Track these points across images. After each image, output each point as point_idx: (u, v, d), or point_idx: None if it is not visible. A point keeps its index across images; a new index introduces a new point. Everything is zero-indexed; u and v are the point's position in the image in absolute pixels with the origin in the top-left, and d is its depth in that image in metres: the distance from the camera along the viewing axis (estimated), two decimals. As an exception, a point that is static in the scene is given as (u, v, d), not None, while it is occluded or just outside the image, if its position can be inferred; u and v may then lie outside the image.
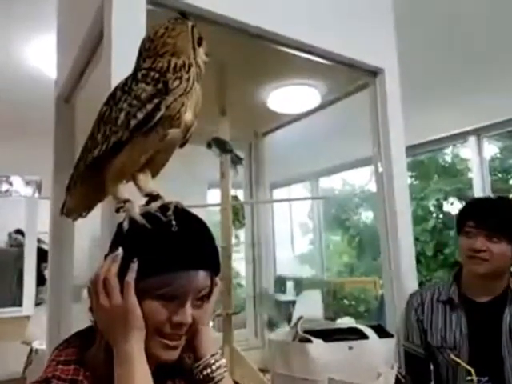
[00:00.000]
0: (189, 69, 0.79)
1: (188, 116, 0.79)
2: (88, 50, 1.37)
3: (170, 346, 0.68)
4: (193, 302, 0.68)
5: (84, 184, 0.84)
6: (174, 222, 0.68)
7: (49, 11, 1.93)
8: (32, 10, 2.13)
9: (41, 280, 4.38)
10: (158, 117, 0.74)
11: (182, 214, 0.72)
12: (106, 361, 0.67)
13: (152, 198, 0.79)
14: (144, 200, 0.80)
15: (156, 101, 0.75)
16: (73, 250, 1.65)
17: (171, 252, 0.66)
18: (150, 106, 0.74)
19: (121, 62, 1.04)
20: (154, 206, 0.74)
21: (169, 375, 0.77)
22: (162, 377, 0.75)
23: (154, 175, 0.84)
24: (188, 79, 0.78)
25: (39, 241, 4.51)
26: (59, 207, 0.93)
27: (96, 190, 0.84)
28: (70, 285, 1.66)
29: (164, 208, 0.72)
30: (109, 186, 0.80)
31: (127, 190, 0.80)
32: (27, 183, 4.54)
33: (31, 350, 3.48)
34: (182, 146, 0.85)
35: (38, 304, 4.27)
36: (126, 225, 0.71)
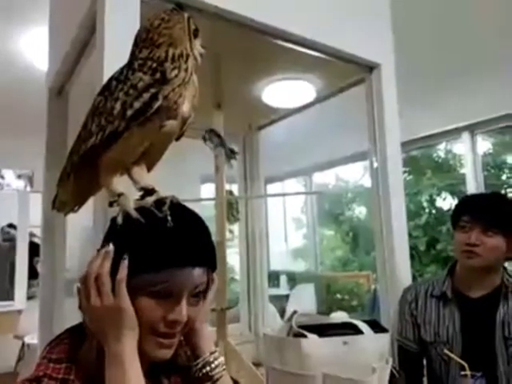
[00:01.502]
0: (187, 59, 0.77)
1: (185, 107, 0.77)
2: (80, 42, 1.35)
3: (164, 344, 0.67)
4: (188, 299, 0.67)
5: (77, 177, 0.81)
6: (169, 218, 0.66)
7: (41, 2, 1.90)
8: (24, 1, 2.10)
9: (33, 274, 4.35)
10: (155, 107, 0.72)
11: (178, 209, 0.70)
12: (97, 359, 0.66)
13: (147, 192, 0.77)
14: (138, 194, 0.78)
15: (153, 90, 0.73)
16: (65, 244, 1.63)
17: (166, 248, 0.65)
18: (146, 96, 0.72)
19: (114, 53, 1.02)
20: (149, 200, 0.72)
21: (164, 372, 0.76)
22: (156, 374, 0.74)
23: (149, 169, 0.82)
24: (186, 69, 0.77)
25: (31, 235, 4.47)
26: (51, 201, 0.91)
27: (89, 182, 0.82)
28: (63, 279, 1.64)
29: (159, 203, 0.70)
30: (102, 178, 0.78)
31: (121, 183, 0.78)
32: (19, 176, 4.50)
33: (23, 344, 3.47)
34: (177, 138, 0.83)
35: (30, 298, 4.24)
36: (119, 219, 0.69)
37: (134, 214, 0.68)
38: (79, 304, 0.68)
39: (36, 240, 4.30)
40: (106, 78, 0.86)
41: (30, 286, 4.38)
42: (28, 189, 4.48)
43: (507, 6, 2.12)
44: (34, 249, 4.32)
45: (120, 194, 0.74)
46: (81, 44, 1.35)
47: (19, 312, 3.98)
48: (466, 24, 2.29)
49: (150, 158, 0.81)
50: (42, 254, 1.66)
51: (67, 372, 0.66)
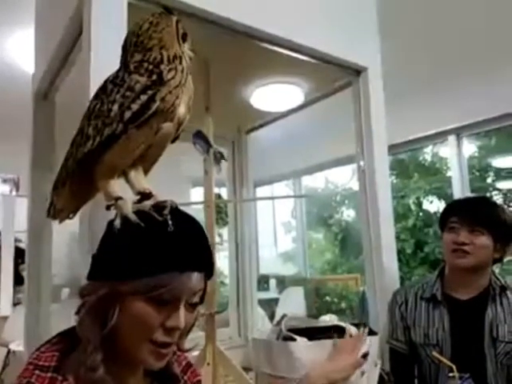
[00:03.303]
0: (181, 60, 0.78)
1: (181, 110, 0.77)
2: (67, 45, 1.33)
3: (161, 353, 0.66)
4: (185, 305, 0.66)
5: (73, 182, 0.80)
6: (170, 222, 0.66)
7: (27, 4, 1.88)
8: (9, 3, 2.07)
9: (19, 280, 4.27)
10: (153, 108, 0.72)
11: (177, 213, 0.70)
12: (88, 366, 0.64)
13: (144, 196, 0.76)
14: (135, 198, 0.77)
15: (150, 92, 0.72)
16: (51, 249, 1.61)
17: (167, 252, 0.64)
18: (144, 98, 0.72)
19: (100, 56, 1.02)
20: (148, 204, 0.71)
21: (157, 379, 0.75)
22: (150, 380, 0.74)
23: (146, 171, 0.82)
24: (182, 70, 0.77)
25: (16, 240, 4.39)
26: (36, 205, 0.90)
27: (85, 188, 0.81)
28: (49, 284, 1.62)
29: (158, 207, 0.69)
30: (99, 182, 0.77)
31: (118, 186, 0.77)
32: (4, 181, 4.42)
33: (8, 351, 3.40)
34: (173, 141, 0.82)
35: (15, 304, 4.16)
36: (117, 223, 0.68)
37: (133, 217, 0.67)
38: (77, 309, 0.67)
39: (21, 245, 4.23)
40: (92, 81, 0.86)
41: (15, 292, 4.30)
42: (14, 193, 4.41)
43: (493, 10, 2.16)
44: (19, 254, 4.25)
45: (118, 198, 0.73)
46: (67, 47, 1.34)
47: (4, 318, 3.90)
48: (453, 28, 2.32)
49: (146, 161, 0.81)
50: (27, 260, 1.63)
51: (52, 383, 0.63)
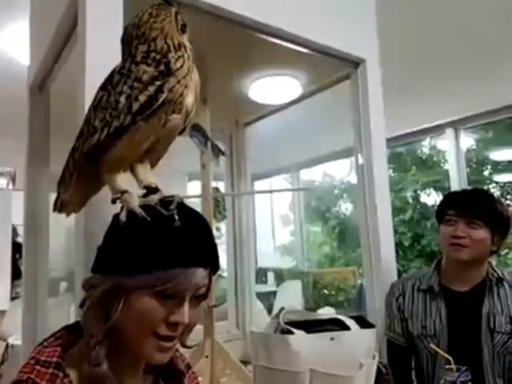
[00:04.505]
0: (186, 48, 0.77)
1: (189, 100, 0.76)
2: (62, 36, 1.32)
3: (164, 347, 0.65)
4: (190, 300, 0.65)
5: (80, 175, 0.79)
6: (176, 217, 0.65)
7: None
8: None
9: (17, 274, 4.26)
10: (161, 100, 0.71)
11: (183, 208, 0.69)
12: (92, 361, 0.63)
13: (150, 190, 0.75)
14: (140, 192, 0.76)
15: (158, 83, 0.71)
16: (48, 243, 1.60)
17: (172, 247, 0.64)
18: (152, 89, 0.71)
19: (96, 48, 1.00)
20: (154, 198, 0.70)
21: (161, 376, 0.75)
22: (154, 377, 0.74)
23: (153, 165, 0.81)
24: (188, 58, 0.76)
25: (14, 234, 4.38)
26: (33, 199, 0.89)
27: (91, 181, 0.80)
28: (46, 278, 1.61)
29: (164, 201, 0.69)
30: (105, 175, 0.76)
31: (125, 180, 0.77)
32: (1, 174, 4.40)
33: (7, 345, 3.40)
34: (180, 133, 0.81)
35: (13, 298, 4.16)
36: (123, 217, 0.68)
37: (139, 211, 0.67)
38: (81, 302, 0.67)
39: (19, 239, 4.22)
40: (88, 73, 0.84)
41: (14, 286, 4.30)
42: (10, 187, 4.39)
43: (492, 5, 2.15)
44: (17, 249, 4.24)
45: (124, 191, 0.73)
46: (62, 38, 1.32)
47: (2, 313, 3.90)
48: (452, 22, 2.31)
49: (153, 155, 0.80)
50: (24, 253, 1.63)
51: (52, 379, 0.63)
